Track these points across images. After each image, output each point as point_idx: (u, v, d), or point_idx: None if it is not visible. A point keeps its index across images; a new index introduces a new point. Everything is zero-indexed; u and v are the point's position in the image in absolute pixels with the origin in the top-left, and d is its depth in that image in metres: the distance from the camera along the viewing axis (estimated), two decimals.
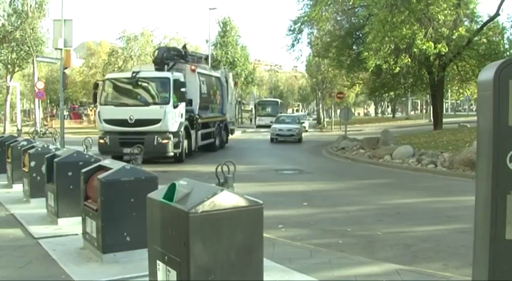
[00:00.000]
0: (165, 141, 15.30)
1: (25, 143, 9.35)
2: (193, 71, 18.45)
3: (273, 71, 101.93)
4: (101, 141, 15.67)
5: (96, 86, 16.96)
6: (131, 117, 15.28)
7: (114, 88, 16.28)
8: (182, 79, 16.58)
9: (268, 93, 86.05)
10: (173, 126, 15.59)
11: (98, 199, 4.92)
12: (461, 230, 6.97)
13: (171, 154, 15.69)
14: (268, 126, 47.25)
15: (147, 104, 15.69)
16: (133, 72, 16.12)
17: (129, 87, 16.03)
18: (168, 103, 15.41)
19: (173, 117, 15.57)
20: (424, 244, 6.45)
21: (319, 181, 12.87)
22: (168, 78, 15.74)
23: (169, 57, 18.12)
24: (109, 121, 15.61)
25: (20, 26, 32.24)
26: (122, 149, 14.88)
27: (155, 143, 15.13)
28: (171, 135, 15.44)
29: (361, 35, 25.25)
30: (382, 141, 18.89)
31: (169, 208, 3.21)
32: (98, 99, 16.32)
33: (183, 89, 16.04)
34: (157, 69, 17.19)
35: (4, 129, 32.82)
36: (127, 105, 15.75)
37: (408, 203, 9.53)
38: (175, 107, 15.61)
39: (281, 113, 49.65)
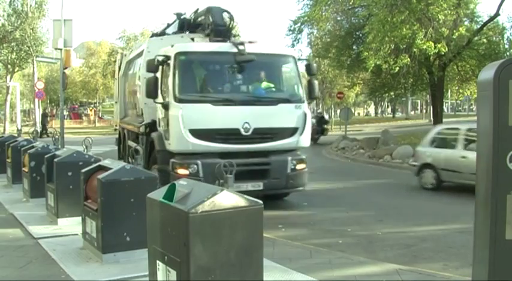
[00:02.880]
0: (301, 167, 8.72)
1: (25, 143, 9.36)
2: None
3: None
4: (182, 172, 7.86)
5: (156, 65, 8.37)
6: (247, 125, 8.20)
7: (202, 71, 8.95)
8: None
9: None
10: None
11: (98, 199, 4.92)
12: (461, 230, 6.96)
13: (302, 187, 8.94)
14: None
15: (272, 101, 8.70)
16: (239, 44, 8.60)
17: (232, 70, 8.86)
18: (303, 100, 8.84)
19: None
20: (424, 244, 6.45)
21: (319, 180, 12.84)
22: (294, 58, 9.22)
23: None
24: (203, 133, 8.08)
25: (19, 26, 32.24)
26: (230, 186, 7.62)
27: (288, 171, 8.50)
28: (305, 157, 8.98)
29: (361, 35, 25.24)
30: (382, 141, 18.89)
31: (169, 208, 3.21)
32: (164, 92, 8.51)
33: (315, 80, 9.35)
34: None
35: (4, 129, 32.83)
36: (234, 102, 8.36)
37: (408, 203, 9.53)
38: None
39: None
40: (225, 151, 8.07)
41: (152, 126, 9.21)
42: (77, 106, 63.96)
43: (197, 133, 8.02)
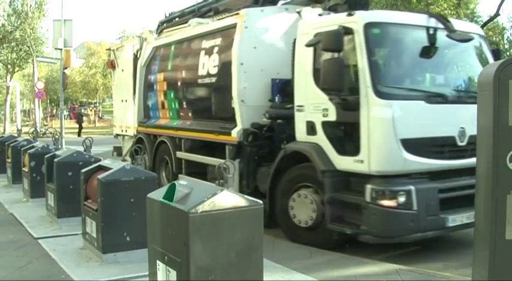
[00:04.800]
0: None
1: (25, 143, 9.36)
2: None
3: None
4: (388, 203, 5.31)
5: (341, 41, 5.52)
6: (462, 132, 5.86)
7: (402, 52, 6.17)
8: None
9: None
10: None
11: (98, 199, 4.92)
12: (461, 230, 6.95)
13: None
14: None
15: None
16: (441, 17, 6.46)
17: (437, 53, 5.96)
18: None
19: None
20: (424, 244, 6.44)
21: None
22: (483, 38, 6.85)
23: None
24: (416, 144, 5.54)
25: (19, 26, 32.25)
26: (446, 220, 5.63)
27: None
28: None
29: None
30: None
31: (169, 208, 3.21)
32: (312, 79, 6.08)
33: None
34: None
35: (4, 129, 32.85)
36: (447, 99, 5.94)
37: None
38: None
39: None
40: (440, 168, 5.73)
41: (256, 133, 6.96)
42: (77, 106, 63.92)
43: (409, 144, 5.47)
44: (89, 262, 5.00)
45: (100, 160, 6.00)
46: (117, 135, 12.05)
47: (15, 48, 33.19)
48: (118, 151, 11.84)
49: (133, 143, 10.51)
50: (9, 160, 9.88)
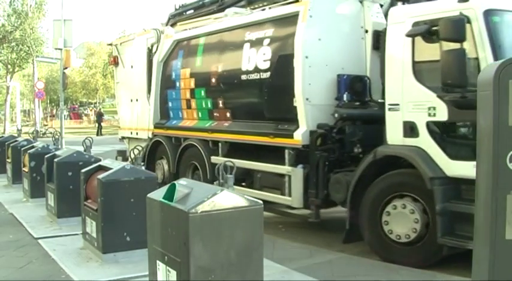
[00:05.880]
0: None
1: (25, 143, 9.36)
2: None
3: None
4: None
5: (463, 30, 4.87)
6: None
7: None
8: None
9: None
10: None
11: (98, 199, 4.92)
12: None
13: None
14: None
15: None
16: None
17: None
18: None
19: None
20: None
21: None
22: None
23: None
24: None
25: (19, 26, 32.28)
26: None
27: None
28: None
29: None
30: None
31: (169, 208, 3.21)
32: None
33: None
34: None
35: (4, 129, 32.86)
36: None
37: None
38: None
39: None
40: None
41: (326, 135, 6.25)
42: (77, 106, 63.95)
43: None
44: (89, 262, 5.00)
45: (100, 160, 6.00)
46: (124, 138, 11.11)
47: (15, 48, 33.22)
48: (123, 155, 10.91)
49: (148, 146, 9.50)
50: (9, 160, 9.89)
